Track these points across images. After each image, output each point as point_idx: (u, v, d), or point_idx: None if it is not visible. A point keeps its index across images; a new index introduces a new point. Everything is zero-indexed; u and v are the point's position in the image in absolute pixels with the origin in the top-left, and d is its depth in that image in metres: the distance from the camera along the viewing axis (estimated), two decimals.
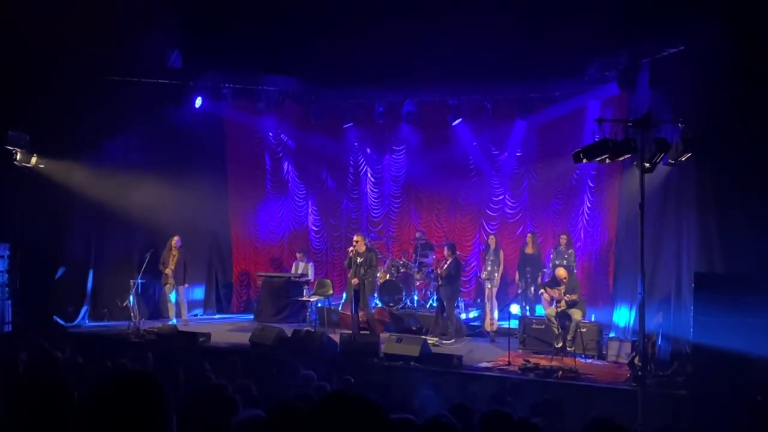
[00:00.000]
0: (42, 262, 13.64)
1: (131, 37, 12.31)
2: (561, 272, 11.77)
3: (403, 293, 14.19)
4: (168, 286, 14.09)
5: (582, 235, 14.38)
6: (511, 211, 15.53)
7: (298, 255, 15.77)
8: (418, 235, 15.48)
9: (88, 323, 14.00)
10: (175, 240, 14.05)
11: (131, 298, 13.30)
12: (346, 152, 16.80)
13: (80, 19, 11.31)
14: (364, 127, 16.25)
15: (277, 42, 13.01)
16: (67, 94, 13.36)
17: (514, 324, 12.38)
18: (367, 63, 13.12)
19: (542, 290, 12.01)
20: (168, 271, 13.98)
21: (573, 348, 11.20)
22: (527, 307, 13.31)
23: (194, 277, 14.81)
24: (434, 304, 13.51)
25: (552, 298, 11.63)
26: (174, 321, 13.78)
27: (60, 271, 13.94)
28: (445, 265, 12.65)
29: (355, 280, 12.33)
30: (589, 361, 11.04)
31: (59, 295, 13.89)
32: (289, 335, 11.71)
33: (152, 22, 12.13)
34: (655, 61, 11.45)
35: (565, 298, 11.43)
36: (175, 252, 14.01)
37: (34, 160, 13.18)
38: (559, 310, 11.43)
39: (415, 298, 14.45)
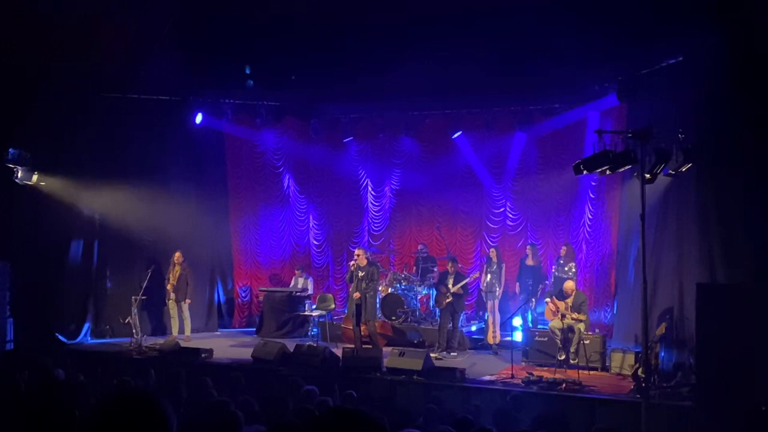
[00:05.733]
0: (44, 280, 13.62)
1: (131, 54, 12.38)
2: (569, 285, 11.74)
3: (405, 307, 14.17)
4: (171, 302, 14.06)
5: (583, 247, 14.36)
6: (512, 223, 15.51)
7: (296, 272, 15.78)
8: (419, 248, 15.48)
9: (89, 340, 13.95)
10: (177, 255, 14.04)
11: (133, 314, 13.26)
12: (347, 166, 16.79)
13: (81, 37, 11.38)
14: (365, 140, 16.28)
15: (276, 57, 13.06)
16: (68, 112, 13.43)
17: (516, 337, 12.38)
18: (367, 76, 13.16)
19: (548, 299, 11.97)
20: (170, 286, 13.95)
21: (576, 360, 11.17)
22: (530, 320, 13.29)
23: (196, 292, 14.79)
24: (437, 318, 13.53)
25: (557, 309, 11.60)
26: (178, 337, 13.76)
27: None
28: (452, 278, 12.73)
29: (356, 294, 12.31)
30: (592, 372, 11.01)
31: (61, 312, 13.87)
32: (292, 350, 11.68)
33: (152, 40, 12.18)
34: (654, 72, 11.50)
35: (573, 316, 11.37)
36: (177, 267, 13.99)
37: (35, 177, 13.20)
38: (565, 324, 11.39)
39: (417, 311, 14.42)
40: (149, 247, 14.64)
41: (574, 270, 13.20)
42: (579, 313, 11.36)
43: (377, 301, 13.28)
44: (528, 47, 11.40)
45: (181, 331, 14.10)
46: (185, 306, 14.13)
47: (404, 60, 12.25)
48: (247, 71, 13.64)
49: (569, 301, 11.51)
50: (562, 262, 13.30)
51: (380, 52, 12.41)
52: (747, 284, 8.89)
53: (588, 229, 14.35)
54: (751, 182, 9.18)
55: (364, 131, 15.93)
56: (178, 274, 13.96)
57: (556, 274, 13.21)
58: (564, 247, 13.53)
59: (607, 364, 11.29)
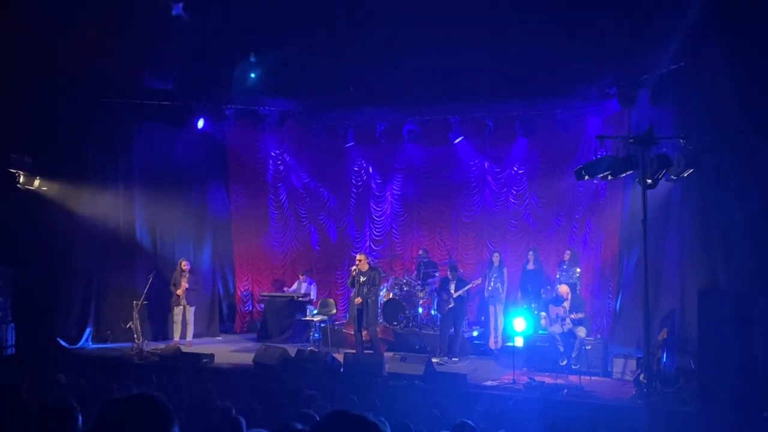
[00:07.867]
0: (45, 285, 13.61)
1: (133, 60, 12.40)
2: (563, 289, 11.72)
3: (407, 312, 14.16)
4: (179, 307, 14.02)
5: (585, 252, 14.34)
6: (513, 229, 15.50)
7: (300, 276, 15.76)
8: (421, 253, 15.46)
9: (91, 345, 13.94)
10: (184, 263, 14.01)
11: (135, 319, 13.24)
12: (348, 171, 16.81)
13: (83, 42, 11.40)
14: (366, 146, 16.26)
15: (278, 62, 13.09)
16: (70, 117, 13.43)
17: (517, 342, 12.35)
18: (368, 82, 13.18)
19: (543, 313, 11.89)
20: (180, 292, 13.91)
21: (578, 365, 11.15)
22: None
23: (197, 297, 14.77)
24: (438, 324, 13.51)
25: (557, 316, 11.57)
26: (179, 342, 13.74)
27: None
28: (453, 284, 12.72)
29: (358, 299, 12.30)
30: (594, 378, 10.98)
31: (62, 317, 13.86)
32: (293, 355, 11.67)
33: (154, 46, 12.21)
34: (655, 77, 11.49)
35: (571, 316, 11.35)
36: (186, 274, 13.97)
37: (37, 182, 13.22)
38: (565, 329, 11.37)
39: (419, 316, 14.40)
40: (151, 252, 14.65)
41: (578, 274, 13.19)
42: (578, 312, 11.34)
43: (379, 306, 13.27)
44: (530, 53, 11.42)
45: (183, 336, 14.07)
46: (190, 310, 14.11)
47: (405, 65, 12.28)
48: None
49: (566, 304, 11.49)
50: (566, 267, 13.27)
51: (381, 58, 12.44)
52: (749, 290, 8.88)
53: (590, 234, 14.34)
54: (753, 187, 9.17)
55: (366, 136, 15.89)
56: (186, 281, 13.92)
57: (561, 279, 13.17)
58: (567, 252, 13.51)
59: (609, 370, 11.26)
